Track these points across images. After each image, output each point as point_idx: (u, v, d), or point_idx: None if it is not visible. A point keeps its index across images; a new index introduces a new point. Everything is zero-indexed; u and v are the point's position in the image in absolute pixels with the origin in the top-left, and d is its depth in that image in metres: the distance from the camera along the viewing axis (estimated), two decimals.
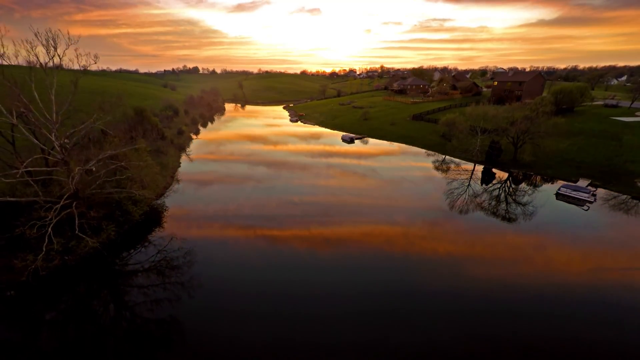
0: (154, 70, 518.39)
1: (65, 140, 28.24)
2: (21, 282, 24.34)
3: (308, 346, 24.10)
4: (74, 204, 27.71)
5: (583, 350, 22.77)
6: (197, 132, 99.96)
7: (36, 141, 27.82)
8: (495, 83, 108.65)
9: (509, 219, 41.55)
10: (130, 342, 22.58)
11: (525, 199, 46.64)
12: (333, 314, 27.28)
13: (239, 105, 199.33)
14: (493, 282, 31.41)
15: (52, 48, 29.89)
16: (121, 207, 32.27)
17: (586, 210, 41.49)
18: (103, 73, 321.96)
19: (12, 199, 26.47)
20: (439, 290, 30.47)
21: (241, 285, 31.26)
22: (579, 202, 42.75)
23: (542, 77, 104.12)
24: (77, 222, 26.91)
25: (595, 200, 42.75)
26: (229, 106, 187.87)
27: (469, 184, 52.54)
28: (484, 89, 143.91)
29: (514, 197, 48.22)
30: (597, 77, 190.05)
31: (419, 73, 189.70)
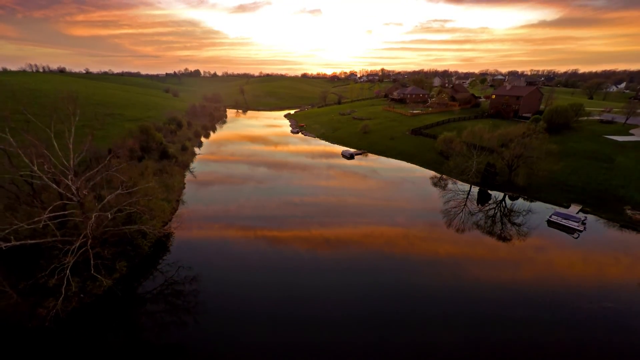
0: (155, 72, 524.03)
1: (85, 192, 30.04)
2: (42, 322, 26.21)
3: (310, 349, 25.85)
4: (88, 243, 29.56)
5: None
6: (200, 145, 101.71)
7: (55, 186, 29.62)
8: (494, 96, 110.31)
9: (503, 238, 43.62)
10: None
11: (520, 219, 48.76)
12: (334, 317, 29.04)
13: (241, 111, 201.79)
14: (492, 284, 33.86)
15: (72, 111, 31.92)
16: (132, 242, 34.09)
17: (576, 238, 43.19)
18: (105, 77, 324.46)
19: (32, 241, 28.29)
20: (440, 292, 32.45)
21: (242, 288, 33.02)
22: (570, 230, 44.44)
23: (539, 91, 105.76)
24: (92, 262, 28.74)
25: (585, 229, 44.40)
26: (230, 112, 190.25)
27: (464, 204, 54.38)
28: (482, 99, 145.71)
29: (508, 217, 50.19)
30: (596, 85, 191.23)
31: (419, 81, 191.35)
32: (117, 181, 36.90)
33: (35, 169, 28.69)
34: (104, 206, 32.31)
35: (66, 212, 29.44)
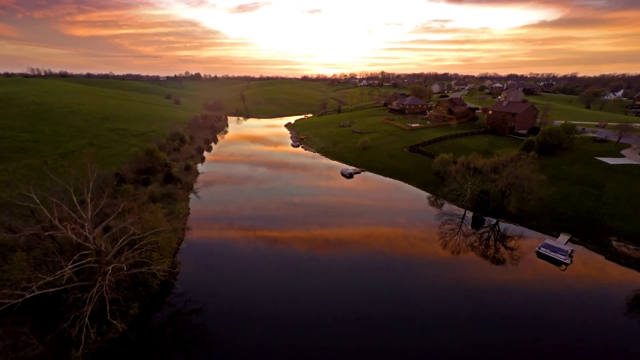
0: (156, 73, 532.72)
1: (104, 247, 32.30)
2: None
3: (311, 351, 27.95)
4: (104, 289, 31.85)
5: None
6: (202, 160, 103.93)
7: (75, 237, 31.84)
8: (490, 112, 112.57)
9: (497, 261, 46.71)
10: None
11: (512, 243, 52.10)
12: (334, 319, 31.29)
13: (242, 118, 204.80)
14: (493, 284, 36.63)
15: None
16: (143, 283, 36.36)
17: (563, 270, 45.50)
18: (106, 82, 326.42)
19: (53, 289, 30.56)
20: (441, 292, 34.71)
21: (241, 291, 35.35)
22: (557, 263, 46.70)
23: (535, 108, 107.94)
24: (108, 308, 31.02)
25: (571, 261, 46.64)
26: (231, 120, 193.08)
27: (459, 228, 56.90)
28: (479, 110, 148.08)
29: (502, 242, 53.02)
30: (593, 94, 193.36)
31: (418, 90, 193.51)
32: (129, 217, 39.07)
33: (56, 222, 30.92)
34: (118, 251, 34.55)
35: (84, 262, 31.66)
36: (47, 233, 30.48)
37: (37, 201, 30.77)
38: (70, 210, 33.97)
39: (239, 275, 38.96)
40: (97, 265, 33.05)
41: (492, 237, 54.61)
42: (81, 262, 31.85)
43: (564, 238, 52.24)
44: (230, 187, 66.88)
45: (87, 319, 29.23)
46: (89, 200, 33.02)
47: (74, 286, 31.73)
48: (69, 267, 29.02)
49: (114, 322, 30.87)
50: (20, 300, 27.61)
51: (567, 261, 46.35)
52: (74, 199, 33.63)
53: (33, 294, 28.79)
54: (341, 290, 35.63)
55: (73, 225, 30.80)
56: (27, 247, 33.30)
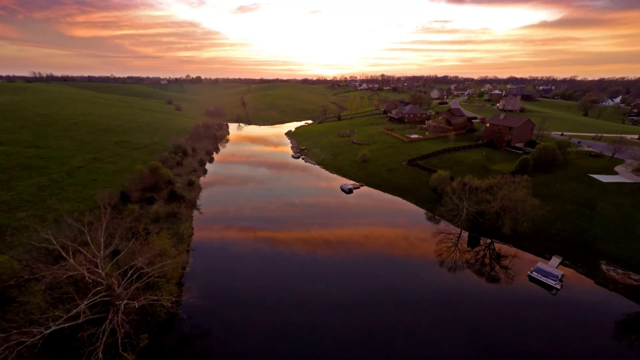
0: (157, 74, 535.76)
1: (116, 287, 34.18)
2: None
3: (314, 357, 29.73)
4: (116, 321, 33.71)
5: None
6: (205, 172, 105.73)
7: (87, 274, 33.71)
8: (488, 124, 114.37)
9: (492, 279, 49.11)
10: None
11: (507, 262, 54.76)
12: (336, 324, 32.76)
13: (243, 125, 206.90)
14: (494, 287, 38.32)
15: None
16: (152, 314, 38.23)
17: (554, 294, 47.32)
18: (107, 86, 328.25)
19: (69, 323, 32.43)
20: (443, 295, 36.24)
21: (242, 291, 36.73)
22: (548, 287, 48.51)
23: (531, 122, 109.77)
24: (120, 341, 32.89)
25: (562, 286, 48.42)
26: (232, 127, 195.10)
27: (455, 247, 59.01)
28: (478, 119, 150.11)
29: (498, 262, 55.31)
30: (591, 101, 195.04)
31: (417, 97, 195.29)
32: (139, 255, 40.88)
33: (72, 261, 32.80)
34: (128, 283, 36.39)
35: (97, 297, 33.54)
36: (65, 275, 32.29)
37: (54, 242, 32.62)
38: (83, 247, 35.80)
39: (241, 284, 40.64)
40: (109, 299, 34.94)
41: (487, 257, 56.59)
42: (94, 298, 33.75)
43: (555, 261, 54.02)
44: (231, 188, 71.75)
45: (100, 354, 31.13)
46: (102, 239, 34.84)
47: (88, 320, 33.61)
48: (84, 304, 30.86)
49: (125, 354, 32.76)
50: (40, 338, 29.49)
51: (558, 286, 48.10)
52: (88, 238, 35.35)
53: (50, 330, 30.74)
54: (345, 294, 37.44)
55: (88, 266, 32.64)
56: (44, 283, 35.09)
